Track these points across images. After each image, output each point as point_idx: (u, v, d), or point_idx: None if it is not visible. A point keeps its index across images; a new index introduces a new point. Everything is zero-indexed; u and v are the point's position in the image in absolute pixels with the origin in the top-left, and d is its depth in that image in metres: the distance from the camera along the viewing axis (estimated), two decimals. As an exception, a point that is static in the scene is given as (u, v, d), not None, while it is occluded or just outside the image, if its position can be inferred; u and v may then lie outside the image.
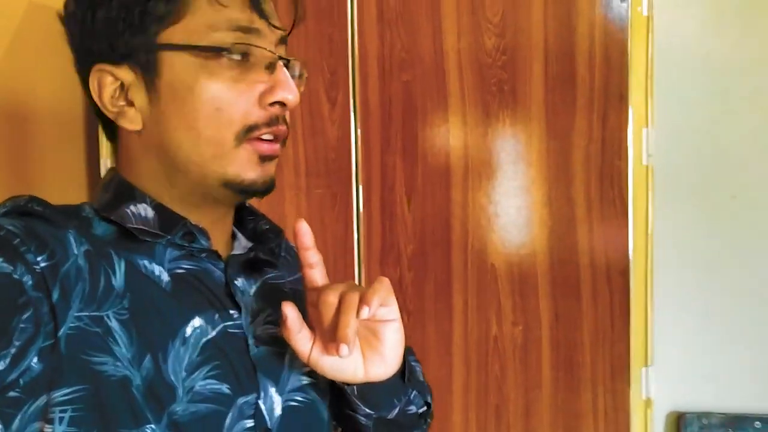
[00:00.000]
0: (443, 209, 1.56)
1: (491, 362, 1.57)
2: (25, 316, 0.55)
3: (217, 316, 0.69)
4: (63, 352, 0.59)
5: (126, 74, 0.67)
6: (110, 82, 0.67)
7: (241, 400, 0.68)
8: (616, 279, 1.51)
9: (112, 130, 0.72)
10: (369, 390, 0.73)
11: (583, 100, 1.49)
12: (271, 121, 0.69)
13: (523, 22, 1.50)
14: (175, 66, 0.66)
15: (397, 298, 1.54)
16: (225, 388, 0.67)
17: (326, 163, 1.59)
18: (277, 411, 0.72)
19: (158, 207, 0.69)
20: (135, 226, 0.67)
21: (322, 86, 1.57)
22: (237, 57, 0.67)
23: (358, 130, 1.57)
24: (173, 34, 0.66)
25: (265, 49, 0.68)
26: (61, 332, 0.59)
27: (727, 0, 1.57)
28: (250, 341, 0.72)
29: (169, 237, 0.68)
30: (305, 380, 0.77)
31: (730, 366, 1.68)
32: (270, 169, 0.71)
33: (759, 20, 1.57)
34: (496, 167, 1.54)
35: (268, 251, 0.77)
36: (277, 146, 0.71)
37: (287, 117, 0.72)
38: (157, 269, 0.68)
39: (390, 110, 1.56)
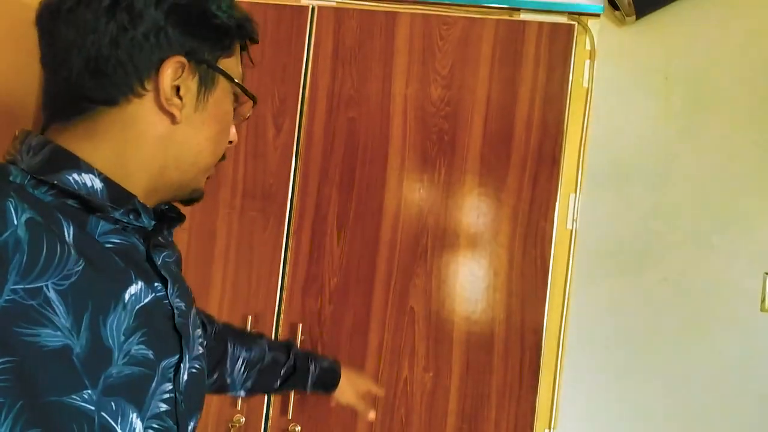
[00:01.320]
0: (371, 247, 1.58)
1: (398, 404, 1.56)
2: None
3: (147, 286, 0.73)
4: None
5: (189, 75, 0.74)
6: (178, 74, 0.73)
7: (163, 364, 0.73)
8: (530, 337, 1.53)
9: (101, 100, 0.73)
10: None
11: (517, 159, 1.54)
12: (224, 155, 0.84)
13: (469, 78, 1.56)
14: (225, 92, 0.78)
15: (313, 329, 1.54)
16: (151, 353, 0.70)
17: (263, 187, 1.61)
18: (185, 376, 0.77)
19: (107, 181, 0.71)
20: (85, 194, 0.69)
21: (270, 112, 1.61)
22: (248, 101, 0.83)
23: (300, 159, 1.60)
24: (227, 64, 0.77)
25: (255, 100, 0.84)
26: None
27: (668, 81, 1.65)
28: (176, 311, 0.77)
29: (121, 211, 0.71)
30: (200, 350, 0.84)
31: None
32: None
33: (699, 104, 1.65)
34: (427, 213, 1.57)
35: (167, 231, 0.84)
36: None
37: None
38: (92, 239, 0.70)
39: (333, 143, 1.59)
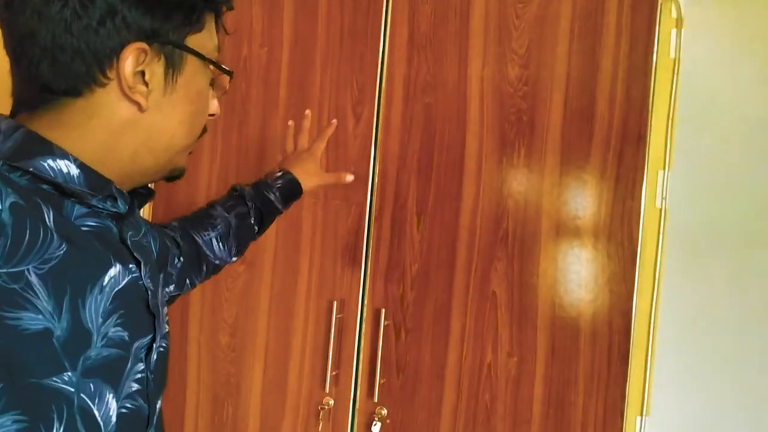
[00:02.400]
0: (451, 232, 1.57)
1: (482, 391, 1.55)
2: None
3: (123, 268, 0.73)
4: None
5: (153, 59, 0.71)
6: (140, 60, 0.70)
7: (136, 345, 0.74)
8: (617, 321, 1.48)
9: (62, 90, 0.71)
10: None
11: (600, 137, 1.49)
12: (205, 128, 0.83)
13: (547, 55, 1.52)
14: (197, 69, 0.75)
15: (396, 316, 1.56)
16: (126, 335, 0.72)
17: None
18: (155, 356, 0.79)
19: (83, 167, 0.70)
20: (61, 181, 0.68)
21: (349, 102, 1.64)
22: (223, 75, 0.81)
23: (379, 147, 1.62)
24: (194, 41, 0.74)
25: (230, 73, 0.83)
26: None
27: (755, 46, 1.53)
28: (150, 292, 0.78)
29: (93, 201, 0.71)
30: (166, 328, 0.85)
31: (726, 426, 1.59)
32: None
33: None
34: (507, 195, 1.54)
35: (139, 207, 0.85)
36: None
37: None
38: (69, 222, 0.70)
39: (410, 130, 1.60)
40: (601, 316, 1.49)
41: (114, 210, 0.74)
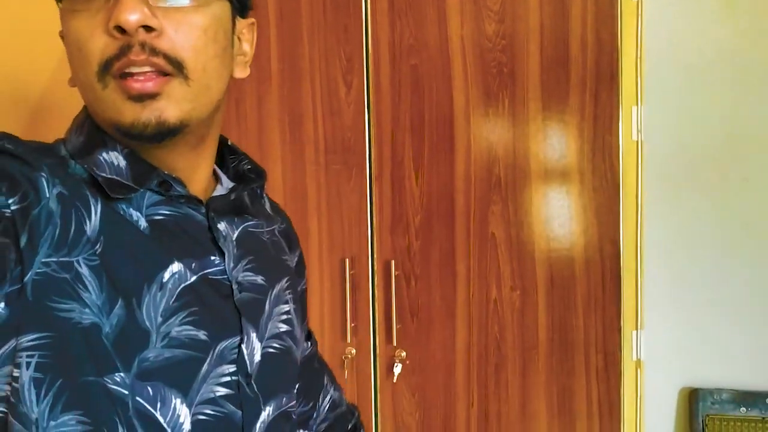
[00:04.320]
0: (448, 183, 1.70)
1: (491, 324, 1.70)
2: None
3: (196, 262, 0.69)
4: (29, 298, 0.58)
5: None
6: None
7: (221, 346, 0.68)
8: (608, 247, 1.62)
9: None
10: None
11: (576, 80, 1.61)
12: (121, 53, 0.62)
13: (520, 9, 1.63)
14: (60, 16, 0.66)
15: (405, 266, 1.69)
16: (202, 334, 0.67)
17: (343, 142, 1.75)
18: (257, 357, 0.73)
19: (130, 156, 0.67)
20: (108, 176, 0.66)
21: (339, 72, 1.74)
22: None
23: (372, 111, 1.73)
24: None
25: None
26: (27, 278, 0.58)
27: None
28: (234, 286, 0.72)
29: (142, 189, 0.67)
30: (283, 328, 0.79)
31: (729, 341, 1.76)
32: (151, 110, 0.63)
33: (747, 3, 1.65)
34: (496, 143, 1.67)
35: (249, 192, 0.78)
36: (145, 81, 0.63)
37: (165, 46, 0.63)
38: (135, 214, 0.67)
39: (400, 92, 1.71)
40: (592, 244, 1.63)
41: (176, 194, 0.69)
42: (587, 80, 1.60)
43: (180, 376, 0.65)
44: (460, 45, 1.67)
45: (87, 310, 0.60)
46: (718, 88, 1.64)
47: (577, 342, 1.65)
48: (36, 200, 0.58)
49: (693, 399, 2.03)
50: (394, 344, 1.74)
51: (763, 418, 1.99)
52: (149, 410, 0.62)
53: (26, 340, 0.58)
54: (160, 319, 0.64)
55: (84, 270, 0.61)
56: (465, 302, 1.71)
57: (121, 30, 0.61)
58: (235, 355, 0.70)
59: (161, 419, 0.63)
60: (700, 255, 1.74)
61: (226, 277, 0.71)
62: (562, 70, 1.61)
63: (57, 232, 0.59)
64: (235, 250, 0.74)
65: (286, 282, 0.83)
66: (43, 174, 0.60)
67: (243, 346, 0.71)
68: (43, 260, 0.59)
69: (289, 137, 1.76)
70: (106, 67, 0.62)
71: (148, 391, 0.62)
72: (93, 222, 0.63)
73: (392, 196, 1.73)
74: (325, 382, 1.07)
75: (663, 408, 2.01)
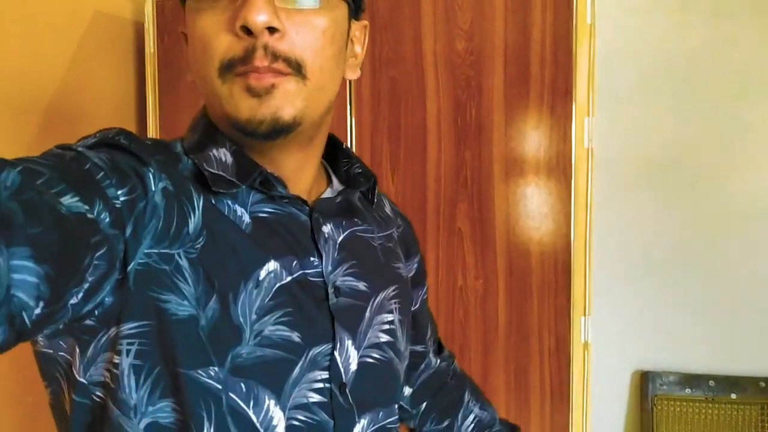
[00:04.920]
0: (420, 182, 1.90)
1: (456, 309, 1.91)
2: (99, 253, 0.54)
3: (295, 262, 0.68)
4: (131, 288, 0.59)
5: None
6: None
7: (314, 350, 0.67)
8: (560, 242, 1.83)
9: None
10: None
11: (535, 94, 1.81)
12: (247, 54, 0.63)
13: (487, 30, 1.82)
14: (186, 13, 0.68)
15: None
16: (296, 336, 0.66)
17: (327, 143, 1.95)
18: (353, 366, 0.71)
19: (236, 153, 0.68)
20: (215, 171, 0.67)
21: (325, 80, 1.93)
22: None
23: (353, 117, 1.93)
24: None
25: None
26: (130, 267, 0.59)
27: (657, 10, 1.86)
28: (330, 290, 0.71)
29: (244, 186, 0.67)
30: (384, 338, 0.76)
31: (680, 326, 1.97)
32: (267, 107, 0.64)
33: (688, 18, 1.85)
34: (464, 148, 1.87)
35: (360, 196, 0.78)
36: (265, 78, 0.63)
37: (285, 48, 0.64)
38: (240, 210, 0.67)
39: (379, 100, 1.91)
40: (546, 239, 1.84)
41: (277, 194, 0.69)
42: (545, 94, 1.80)
43: (272, 376, 0.64)
44: (433, 60, 1.86)
45: (186, 302, 0.61)
46: (664, 100, 1.85)
47: (532, 326, 1.86)
48: (143, 193, 0.59)
49: (644, 381, 2.25)
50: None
51: (706, 397, 2.21)
52: (242, 407, 0.62)
53: (127, 328, 0.60)
54: (254, 317, 0.64)
55: (184, 262, 0.61)
56: (434, 288, 1.92)
57: (247, 31, 0.62)
58: (328, 362, 0.68)
59: (254, 418, 0.63)
60: (648, 250, 1.95)
61: (322, 280, 0.70)
62: (523, 84, 1.81)
63: (160, 225, 0.60)
64: (335, 254, 0.72)
65: (393, 290, 0.80)
66: (151, 169, 0.61)
67: (336, 353, 0.69)
68: (146, 251, 0.60)
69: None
70: (228, 67, 0.64)
71: (241, 387, 0.62)
72: (195, 216, 0.63)
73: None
74: (466, 399, 1.03)
75: (616, 389, 2.24)
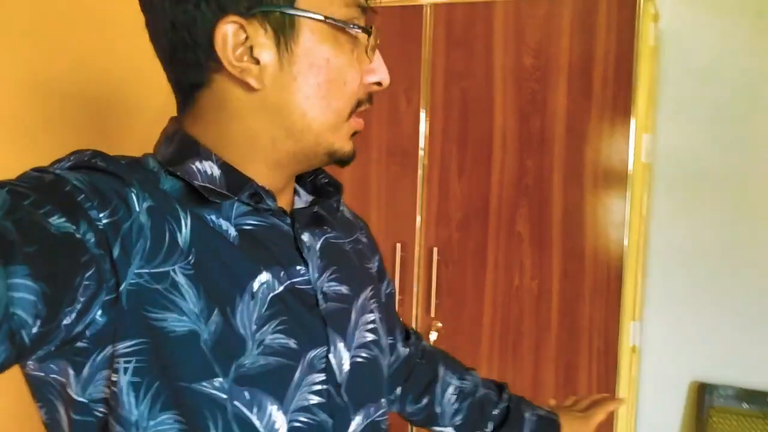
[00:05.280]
0: (484, 186, 2.05)
1: (512, 306, 2.05)
2: (88, 273, 0.54)
3: (283, 272, 0.70)
4: (124, 307, 0.59)
5: (257, 32, 0.65)
6: (239, 36, 0.64)
7: (310, 354, 0.70)
8: (614, 248, 1.94)
9: (189, 84, 0.69)
10: None
11: (596, 110, 1.92)
12: (370, 99, 0.73)
13: (553, 47, 1.95)
14: (314, 35, 0.66)
15: (445, 252, 2.05)
16: (292, 342, 0.68)
17: (401, 146, 2.13)
18: (346, 366, 0.74)
19: (224, 166, 0.68)
20: (202, 184, 0.67)
21: (401, 88, 2.11)
22: (359, 34, 0.69)
23: (426, 123, 2.10)
24: (311, 1, 0.65)
25: (368, 30, 0.70)
26: (122, 287, 0.59)
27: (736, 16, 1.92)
28: (319, 296, 0.73)
29: (235, 198, 0.68)
30: (369, 337, 0.79)
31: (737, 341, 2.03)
32: (355, 142, 0.75)
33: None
34: (527, 157, 2.00)
35: (327, 206, 0.79)
36: (363, 122, 0.75)
37: None
38: (225, 224, 0.68)
39: (450, 109, 2.07)
40: (600, 246, 1.95)
41: (265, 207, 0.71)
42: (606, 110, 1.91)
43: (275, 382, 0.66)
44: (501, 74, 2.01)
45: (185, 318, 0.62)
46: (725, 117, 1.92)
47: (582, 327, 1.98)
48: (126, 215, 0.60)
49: (700, 392, 2.29)
50: (432, 316, 2.12)
51: (764, 413, 2.23)
52: (246, 414, 0.64)
53: (123, 346, 0.60)
54: (254, 327, 0.65)
55: (181, 279, 0.62)
56: (492, 286, 2.06)
57: (378, 85, 0.73)
58: (324, 364, 0.71)
59: (257, 423, 0.65)
60: (709, 263, 2.03)
61: (311, 287, 0.72)
62: (585, 100, 1.93)
63: (148, 245, 0.60)
64: (319, 261, 0.75)
65: (370, 291, 0.84)
66: (134, 189, 0.62)
67: (331, 356, 0.72)
68: (136, 271, 0.60)
69: (359, 140, 2.15)
70: (357, 105, 0.72)
71: (245, 396, 0.64)
72: (184, 234, 0.64)
73: (438, 195, 2.10)
74: (441, 374, 1.06)
75: (671, 397, 2.31)
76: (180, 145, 0.69)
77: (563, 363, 2.01)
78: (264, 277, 0.68)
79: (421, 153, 2.11)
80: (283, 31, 0.65)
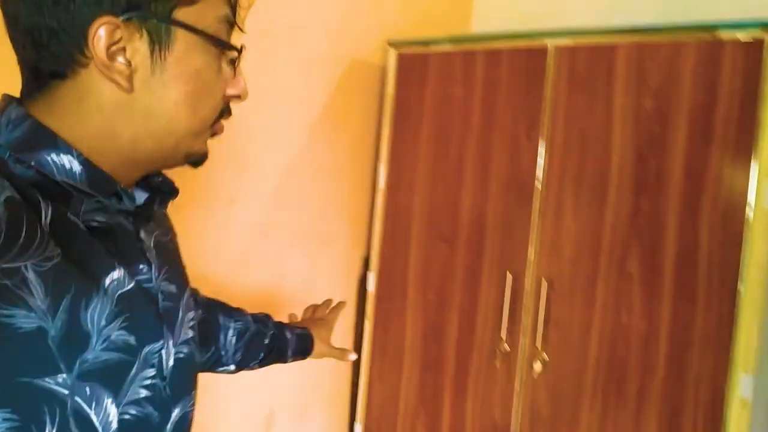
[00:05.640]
0: (597, 223, 2.08)
1: (619, 345, 2.04)
2: None
3: (131, 269, 0.72)
4: None
5: (133, 35, 0.67)
6: (113, 36, 0.65)
7: (146, 350, 0.72)
8: (727, 296, 1.88)
9: (50, 72, 0.69)
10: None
11: (717, 153, 1.90)
12: (228, 110, 0.79)
13: (675, 89, 1.96)
14: (188, 46, 0.69)
15: (555, 284, 2.09)
16: (132, 339, 0.70)
17: (518, 181, 2.22)
18: (171, 362, 0.77)
19: (86, 163, 0.68)
20: (65, 180, 0.67)
21: (523, 126, 2.22)
22: (229, 51, 0.74)
23: (544, 159, 2.18)
24: (186, 15, 0.68)
25: (237, 49, 0.76)
26: None
27: None
28: (160, 295, 0.76)
29: (99, 197, 0.69)
30: (190, 333, 0.84)
31: None
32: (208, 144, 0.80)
33: None
34: (641, 196, 2.01)
35: (162, 205, 0.82)
36: (223, 127, 0.80)
37: None
38: (74, 218, 0.68)
39: (568, 147, 2.14)
40: (714, 292, 1.90)
41: (121, 208, 0.73)
42: (727, 153, 1.88)
43: (113, 377, 0.68)
44: (621, 114, 2.05)
45: (33, 314, 0.61)
46: None
47: (690, 373, 1.93)
48: None
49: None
50: (538, 347, 2.17)
51: None
52: (85, 409, 0.65)
53: None
54: (103, 323, 0.66)
55: (31, 275, 0.60)
56: (600, 323, 2.08)
57: (239, 98, 0.79)
58: (156, 359, 0.74)
59: (94, 418, 0.66)
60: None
61: (153, 285, 0.75)
62: (705, 142, 1.91)
63: (2, 238, 0.58)
64: (156, 260, 0.77)
65: (189, 289, 0.89)
66: None
67: (163, 351, 0.75)
68: None
69: (480, 172, 2.29)
70: (220, 115, 0.78)
71: (86, 391, 0.65)
72: (44, 225, 0.63)
73: (552, 228, 2.17)
74: (221, 322, 1.18)
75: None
76: (31, 132, 0.67)
77: (667, 409, 1.97)
78: (116, 273, 0.69)
79: (537, 187, 2.19)
80: (159, 39, 0.68)
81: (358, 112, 2.55)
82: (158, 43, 0.67)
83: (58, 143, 0.67)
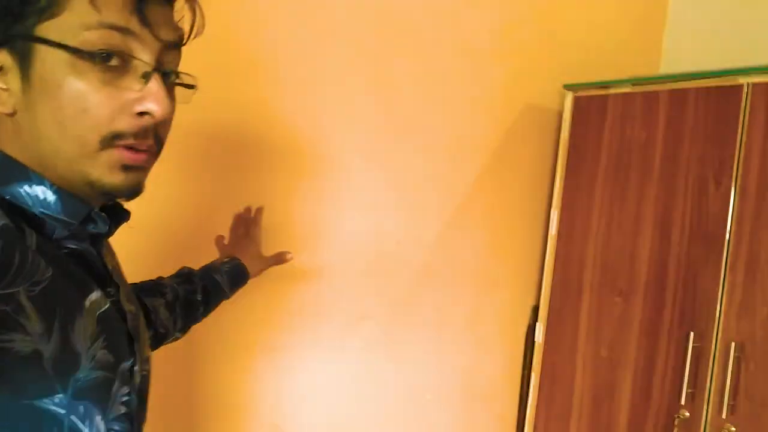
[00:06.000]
0: (800, 281, 1.82)
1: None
2: None
3: (104, 291, 0.74)
4: None
5: (4, 58, 0.67)
6: None
7: (123, 367, 0.75)
8: None
9: None
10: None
11: None
12: (139, 132, 0.70)
13: None
14: (46, 61, 0.66)
15: (746, 348, 1.87)
16: (111, 357, 0.72)
17: (705, 230, 2.02)
18: (138, 379, 0.80)
19: (60, 192, 0.69)
20: (44, 212, 0.68)
21: (711, 172, 2.02)
22: (106, 61, 0.67)
23: (735, 208, 1.96)
24: (49, 28, 0.65)
25: (138, 58, 0.68)
26: None
27: None
28: (128, 315, 0.80)
29: (76, 224, 0.71)
30: (149, 352, 0.88)
31: None
32: (136, 178, 0.72)
33: None
34: None
35: (116, 227, 0.82)
36: (143, 157, 0.71)
37: (161, 131, 0.73)
38: (49, 245, 0.70)
39: (765, 194, 1.91)
40: None
41: (95, 231, 0.74)
42: None
43: (101, 394, 0.71)
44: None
45: (29, 338, 0.62)
46: None
47: None
48: None
49: None
50: (724, 417, 1.92)
51: None
52: (79, 427, 0.67)
53: None
54: (88, 342, 0.69)
55: (24, 300, 0.62)
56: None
57: (149, 116, 0.69)
58: (128, 377, 0.77)
59: None
60: None
61: (120, 306, 0.78)
62: None
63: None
64: (119, 282, 0.80)
65: (140, 308, 0.91)
66: None
67: (135, 369, 0.79)
68: None
69: (661, 220, 2.12)
70: (115, 137, 0.68)
71: (80, 409, 0.67)
72: (31, 253, 0.64)
73: (744, 285, 1.93)
74: (150, 304, 1.16)
75: None
76: (2, 166, 0.68)
77: None
78: (94, 295, 0.71)
79: (727, 237, 1.98)
80: (23, 57, 0.66)
81: (531, 157, 2.50)
82: (23, 62, 0.66)
83: (30, 174, 0.68)
